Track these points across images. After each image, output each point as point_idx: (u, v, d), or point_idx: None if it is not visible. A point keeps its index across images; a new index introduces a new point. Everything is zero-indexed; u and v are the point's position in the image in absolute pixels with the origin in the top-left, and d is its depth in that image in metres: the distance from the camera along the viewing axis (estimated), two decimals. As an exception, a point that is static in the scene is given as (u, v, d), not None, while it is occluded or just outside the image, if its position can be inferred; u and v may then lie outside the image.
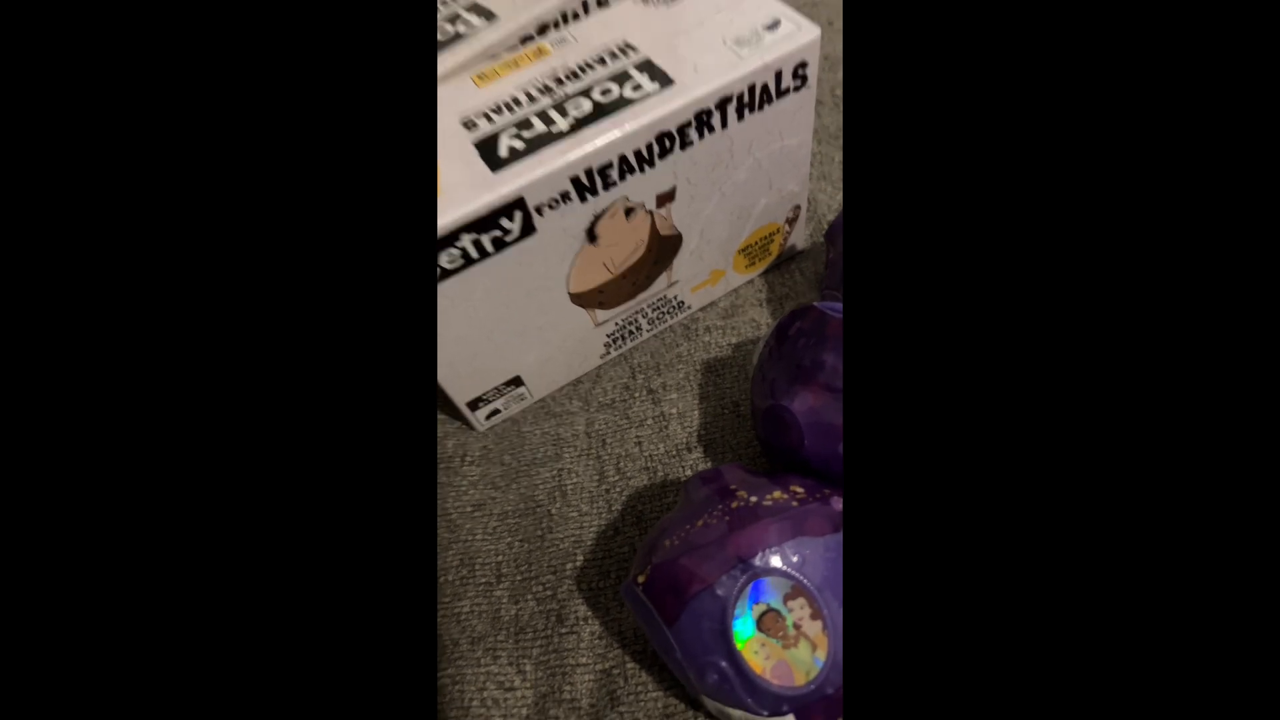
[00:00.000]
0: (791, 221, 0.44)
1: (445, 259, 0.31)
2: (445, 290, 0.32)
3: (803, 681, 0.25)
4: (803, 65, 0.35)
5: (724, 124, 0.35)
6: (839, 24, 0.61)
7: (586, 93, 0.34)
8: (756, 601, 0.26)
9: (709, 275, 0.43)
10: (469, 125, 0.33)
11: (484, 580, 0.36)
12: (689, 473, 0.38)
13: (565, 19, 0.42)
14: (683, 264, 0.41)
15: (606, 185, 0.33)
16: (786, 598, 0.26)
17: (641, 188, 0.35)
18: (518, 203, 0.31)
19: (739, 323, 0.44)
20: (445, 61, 0.39)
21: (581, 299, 0.38)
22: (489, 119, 0.33)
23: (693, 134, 0.34)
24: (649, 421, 0.41)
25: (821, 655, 0.26)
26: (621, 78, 0.34)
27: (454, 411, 0.43)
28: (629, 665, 0.33)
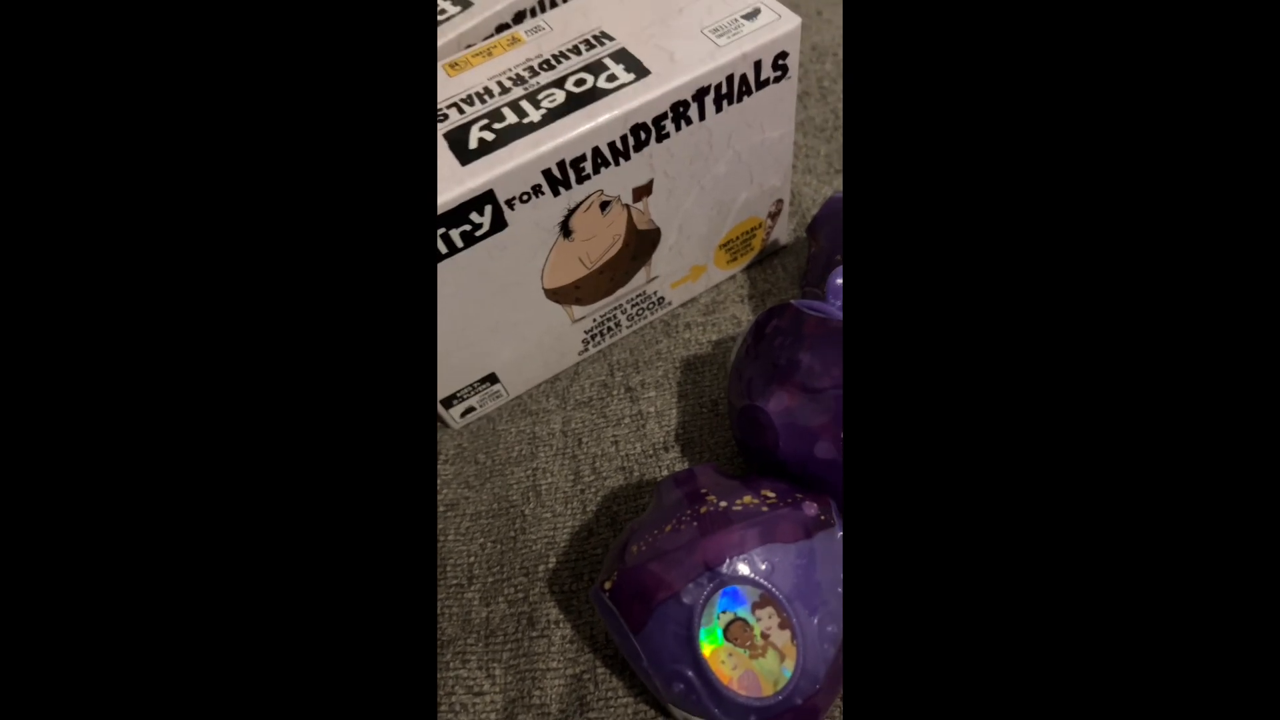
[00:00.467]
0: (774, 216, 0.43)
1: (412, 254, 0.30)
2: (413, 286, 0.32)
3: (770, 692, 0.25)
4: (783, 55, 0.34)
5: (702, 115, 0.34)
6: (828, 13, 0.60)
7: (560, 83, 0.33)
8: (724, 610, 0.25)
9: (689, 271, 0.42)
10: (439, 116, 0.32)
11: (455, 582, 0.36)
12: (665, 472, 0.38)
13: (542, 6, 0.41)
14: (662, 259, 0.40)
15: (580, 178, 0.33)
16: (755, 606, 0.25)
17: (617, 181, 0.34)
18: (487, 196, 0.30)
19: (720, 319, 0.43)
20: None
21: (557, 295, 0.37)
22: (460, 110, 0.32)
23: (669, 125, 0.33)
24: (626, 420, 0.40)
25: (790, 666, 0.25)
26: (596, 68, 0.33)
27: (429, 408, 0.42)
28: (599, 670, 0.32)
